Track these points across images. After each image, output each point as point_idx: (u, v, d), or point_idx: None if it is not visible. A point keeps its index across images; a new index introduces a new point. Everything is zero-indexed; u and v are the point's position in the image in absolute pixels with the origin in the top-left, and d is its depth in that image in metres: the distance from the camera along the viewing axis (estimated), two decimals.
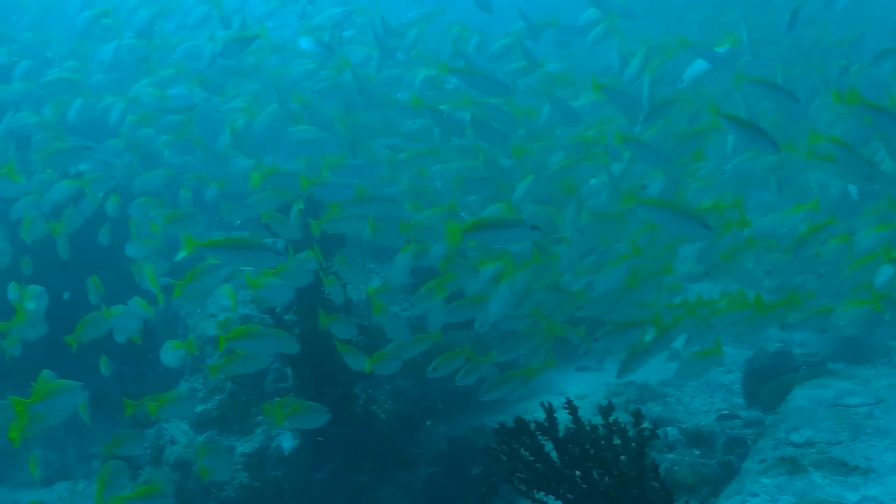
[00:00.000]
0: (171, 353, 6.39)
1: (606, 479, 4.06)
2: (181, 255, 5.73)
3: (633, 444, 4.01)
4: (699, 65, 7.93)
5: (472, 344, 6.56)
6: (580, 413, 7.43)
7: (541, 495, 4.34)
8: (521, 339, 6.38)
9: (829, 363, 8.02)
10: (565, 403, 4.34)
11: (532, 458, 4.29)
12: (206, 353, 7.54)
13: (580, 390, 8.78)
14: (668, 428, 7.25)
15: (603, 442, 4.12)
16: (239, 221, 7.70)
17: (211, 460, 5.85)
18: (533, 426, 4.28)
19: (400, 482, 7.35)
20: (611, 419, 4.12)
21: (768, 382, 7.45)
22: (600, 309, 6.62)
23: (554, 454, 4.32)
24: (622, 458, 4.04)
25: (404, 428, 7.40)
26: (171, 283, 6.15)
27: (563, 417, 8.17)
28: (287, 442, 6.82)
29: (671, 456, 6.56)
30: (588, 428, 4.16)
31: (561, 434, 4.32)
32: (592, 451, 4.07)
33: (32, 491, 8.58)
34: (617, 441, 4.12)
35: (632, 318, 6.30)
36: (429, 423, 7.63)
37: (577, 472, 4.14)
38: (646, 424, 4.05)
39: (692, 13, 14.91)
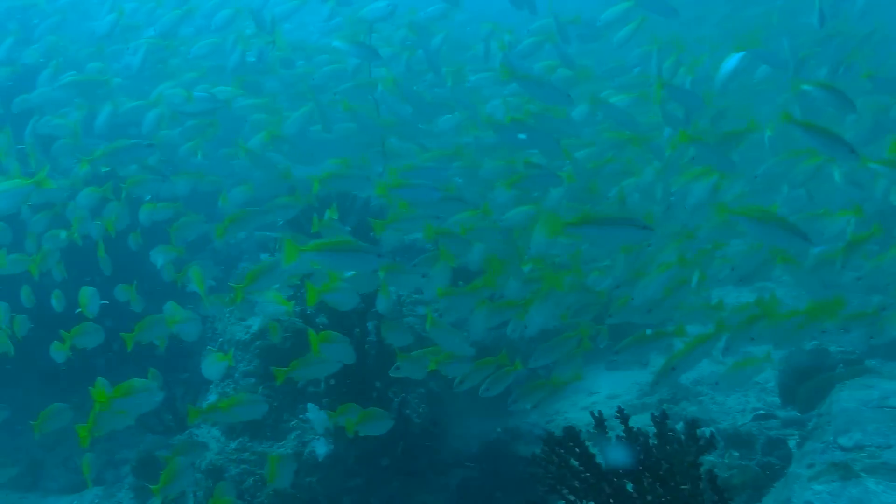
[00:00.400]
0: (214, 367, 6.34)
1: (660, 489, 3.98)
2: (287, 262, 5.65)
3: (689, 454, 3.92)
4: (728, 65, 7.85)
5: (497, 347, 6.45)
6: (611, 413, 7.34)
7: None
8: (554, 345, 6.29)
9: (865, 360, 7.91)
10: (617, 413, 4.23)
11: (581, 468, 4.22)
12: (237, 358, 7.47)
13: (611, 389, 8.69)
14: (705, 429, 7.15)
15: (656, 451, 4.04)
16: (282, 222, 7.63)
17: (279, 467, 5.90)
18: (584, 435, 4.19)
19: (432, 486, 7.27)
20: (664, 428, 4.04)
21: (806, 381, 7.33)
22: (634, 315, 6.51)
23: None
24: (676, 468, 3.96)
25: (437, 431, 7.32)
26: (233, 288, 6.05)
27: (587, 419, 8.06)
28: (321, 448, 6.75)
29: (710, 458, 6.45)
30: (639, 438, 4.08)
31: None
32: (647, 462, 3.98)
33: (61, 497, 8.57)
34: (670, 450, 4.04)
35: (656, 330, 6.18)
36: (500, 429, 7.53)
37: (630, 483, 4.06)
38: (701, 433, 3.97)
39: (710, 12, 14.78)
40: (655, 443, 4.03)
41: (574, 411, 8.52)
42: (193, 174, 8.16)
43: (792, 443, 6.69)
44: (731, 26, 13.20)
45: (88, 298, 7.05)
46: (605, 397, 8.68)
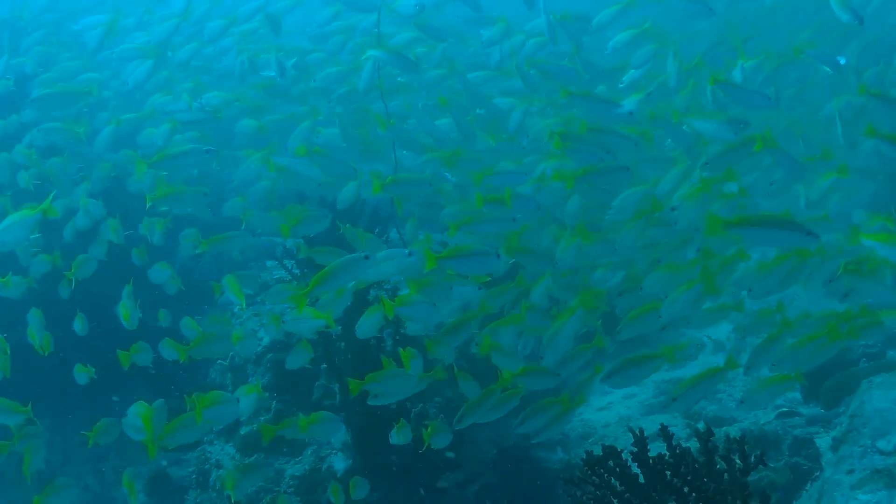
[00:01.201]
0: (245, 399, 6.16)
1: None
2: (428, 267, 5.50)
3: (738, 473, 3.78)
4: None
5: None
6: (628, 413, 7.14)
7: None
8: (569, 359, 6.13)
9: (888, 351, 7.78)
10: (659, 431, 4.06)
11: (623, 489, 4.06)
12: (249, 372, 7.33)
13: (627, 388, 8.56)
14: (728, 428, 6.99)
15: (700, 470, 3.89)
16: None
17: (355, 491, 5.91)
18: (626, 455, 4.04)
19: (451, 496, 7.13)
20: (710, 445, 3.89)
21: (828, 377, 7.18)
22: (646, 328, 6.35)
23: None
24: (724, 487, 3.82)
25: (454, 441, 7.17)
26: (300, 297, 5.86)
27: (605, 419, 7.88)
28: (340, 463, 6.61)
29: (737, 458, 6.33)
30: (685, 456, 3.93)
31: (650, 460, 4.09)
32: (694, 482, 3.83)
33: None
34: (716, 468, 3.90)
35: (648, 352, 6.02)
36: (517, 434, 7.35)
37: None
38: (750, 450, 3.82)
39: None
40: (702, 460, 3.89)
41: (590, 412, 8.40)
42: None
43: (819, 441, 6.58)
44: (728, 21, 12.95)
45: (129, 311, 6.88)
46: (621, 396, 8.58)
